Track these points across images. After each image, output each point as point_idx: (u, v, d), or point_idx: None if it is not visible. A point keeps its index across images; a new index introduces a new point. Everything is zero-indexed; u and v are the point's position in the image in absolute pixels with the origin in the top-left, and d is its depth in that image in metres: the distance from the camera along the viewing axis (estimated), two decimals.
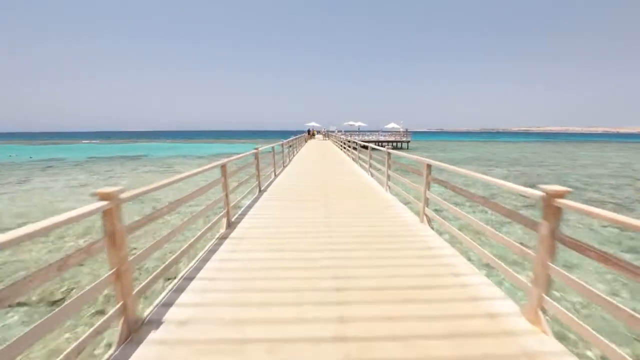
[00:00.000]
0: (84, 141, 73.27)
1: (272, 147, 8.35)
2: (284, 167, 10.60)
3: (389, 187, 6.32)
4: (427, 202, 4.20)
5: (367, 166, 8.90)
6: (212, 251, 3.29)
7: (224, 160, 4.14)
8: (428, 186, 4.19)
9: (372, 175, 8.39)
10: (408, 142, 39.61)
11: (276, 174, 8.67)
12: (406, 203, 6.14)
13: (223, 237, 3.70)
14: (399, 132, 40.34)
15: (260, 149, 6.36)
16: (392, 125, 41.62)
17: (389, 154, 6.25)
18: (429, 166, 4.14)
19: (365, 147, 9.51)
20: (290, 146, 15.89)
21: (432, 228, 4.05)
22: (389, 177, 6.30)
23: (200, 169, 3.33)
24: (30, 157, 31.06)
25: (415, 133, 41.63)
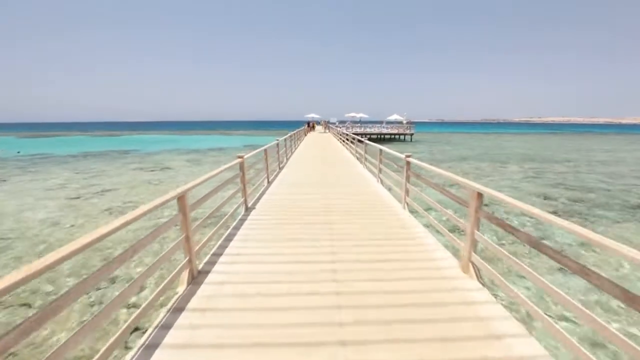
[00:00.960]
0: (77, 133, 71.69)
1: (264, 150, 7.06)
2: (280, 169, 9.33)
3: (407, 204, 5.07)
4: (474, 245, 2.94)
5: (376, 170, 7.63)
6: (151, 347, 2.06)
7: (183, 188, 2.84)
8: (477, 224, 2.92)
9: (381, 182, 7.13)
10: (412, 134, 38.19)
11: (270, 180, 7.40)
12: (428, 225, 4.92)
13: (179, 309, 2.46)
14: (402, 124, 38.87)
15: (246, 156, 5.07)
16: (394, 117, 40.16)
17: (408, 163, 4.97)
18: (480, 195, 2.87)
19: (364, 142, 8.25)
20: (291, 136, 14.51)
21: (483, 285, 2.81)
22: (407, 191, 5.04)
23: (130, 217, 2.06)
24: (18, 152, 29.76)
25: (416, 124, 40.18)
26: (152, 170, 17.14)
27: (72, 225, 8.06)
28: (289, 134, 12.92)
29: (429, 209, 5.71)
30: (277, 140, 9.27)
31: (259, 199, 5.77)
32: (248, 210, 5.03)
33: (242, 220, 4.54)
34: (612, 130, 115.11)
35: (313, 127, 41.02)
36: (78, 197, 11.26)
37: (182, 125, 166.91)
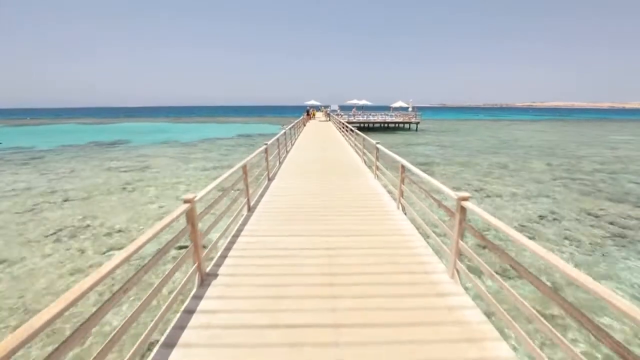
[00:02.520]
0: (67, 121, 69.07)
1: (243, 168, 5.12)
2: (270, 180, 7.42)
3: (458, 273, 3.16)
4: None
5: (395, 191, 5.74)
6: None
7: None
8: None
9: (403, 209, 5.23)
10: (417, 123, 35.93)
11: (251, 206, 5.49)
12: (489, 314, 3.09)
13: None
14: (408, 112, 36.58)
15: (197, 197, 3.11)
16: (399, 104, 37.80)
17: (462, 209, 3.03)
18: None
19: (378, 147, 6.13)
20: (293, 127, 12.27)
21: None
22: (459, 253, 3.13)
23: None
24: (0, 143, 27.94)
25: (418, 110, 37.83)
26: (131, 170, 15.21)
27: None
28: (282, 132, 10.91)
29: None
30: (266, 144, 7.31)
31: (228, 249, 3.88)
32: (203, 282, 3.14)
33: (187, 315, 2.66)
34: (617, 116, 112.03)
35: (313, 115, 38.71)
36: (31, 210, 9.39)
37: (180, 111, 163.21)
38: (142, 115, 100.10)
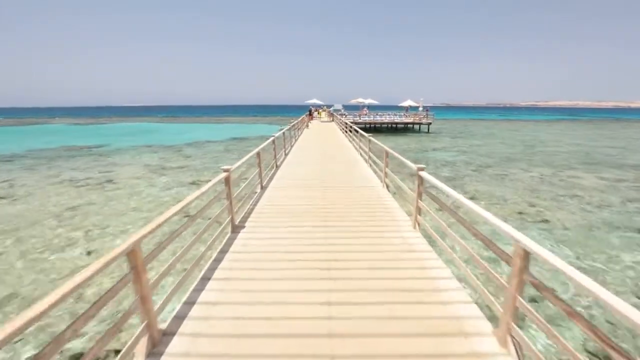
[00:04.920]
0: (55, 121, 66.21)
1: (129, 253, 2.08)
2: (235, 230, 4.38)
3: None
4: None
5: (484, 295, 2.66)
6: None
7: None
8: None
9: (511, 341, 2.17)
10: (429, 124, 32.74)
11: (157, 339, 2.44)
12: None
13: None
14: (419, 112, 33.42)
15: None
16: (408, 103, 34.65)
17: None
18: None
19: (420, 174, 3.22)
20: (290, 130, 9.19)
21: None
22: None
23: None
24: None
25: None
26: (87, 185, 12.21)
27: None
28: (272, 139, 7.87)
29: None
30: (227, 171, 4.27)
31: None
32: None
33: None
34: (626, 115, 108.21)
35: (319, 114, 35.56)
36: None
37: (178, 110, 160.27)
38: (139, 115, 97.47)
